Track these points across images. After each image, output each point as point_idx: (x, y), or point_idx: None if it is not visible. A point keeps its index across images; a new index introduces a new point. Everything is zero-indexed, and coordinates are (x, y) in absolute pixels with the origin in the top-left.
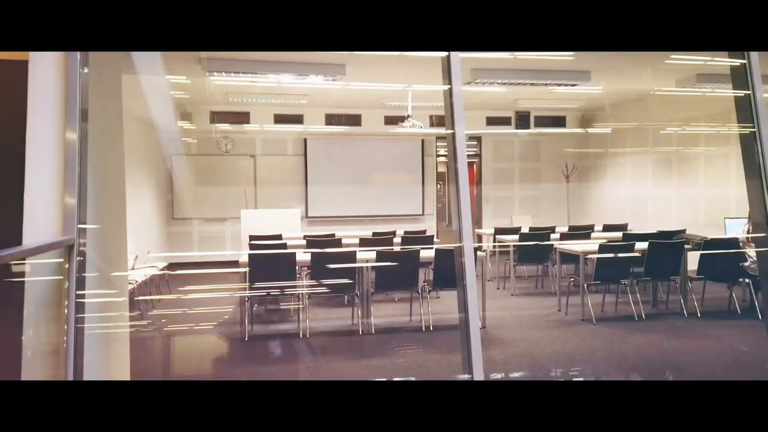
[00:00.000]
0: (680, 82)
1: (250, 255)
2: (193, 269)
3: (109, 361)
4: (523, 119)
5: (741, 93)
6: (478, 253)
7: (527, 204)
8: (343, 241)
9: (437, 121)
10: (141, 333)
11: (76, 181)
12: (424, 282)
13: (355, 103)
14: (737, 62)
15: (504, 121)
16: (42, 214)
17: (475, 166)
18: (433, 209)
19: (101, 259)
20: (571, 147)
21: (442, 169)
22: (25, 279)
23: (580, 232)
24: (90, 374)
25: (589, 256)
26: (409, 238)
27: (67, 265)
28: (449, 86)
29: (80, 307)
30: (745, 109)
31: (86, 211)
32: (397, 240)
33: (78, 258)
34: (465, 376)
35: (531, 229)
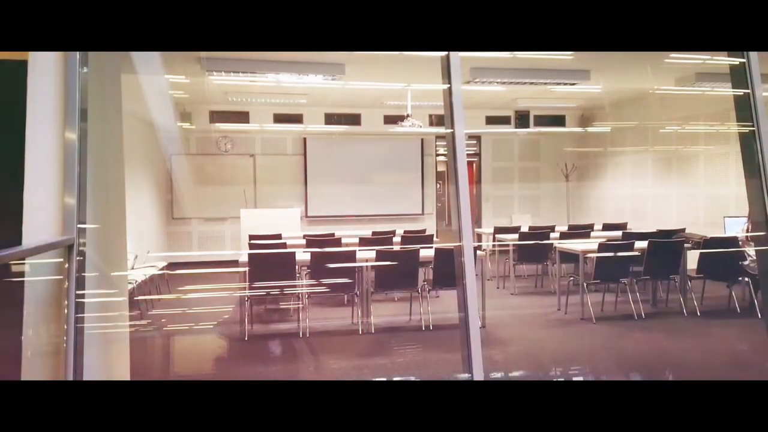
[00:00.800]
0: (679, 81)
1: (249, 254)
2: (192, 269)
3: (109, 361)
4: (522, 118)
5: (740, 92)
6: (478, 252)
7: (527, 203)
8: (343, 240)
9: (437, 120)
10: (141, 333)
11: (75, 181)
12: (423, 281)
13: (355, 103)
14: (736, 61)
15: (503, 120)
16: (42, 214)
17: (474, 165)
18: (432, 208)
19: (101, 259)
20: (571, 146)
21: (441, 168)
22: (25, 279)
23: (580, 231)
24: (90, 374)
25: (589, 255)
26: (409, 237)
27: (66, 265)
28: (448, 85)
29: (80, 307)
30: (744, 108)
31: (86, 211)
32: (396, 239)
33: (78, 258)
34: (465, 376)
35: (530, 228)
